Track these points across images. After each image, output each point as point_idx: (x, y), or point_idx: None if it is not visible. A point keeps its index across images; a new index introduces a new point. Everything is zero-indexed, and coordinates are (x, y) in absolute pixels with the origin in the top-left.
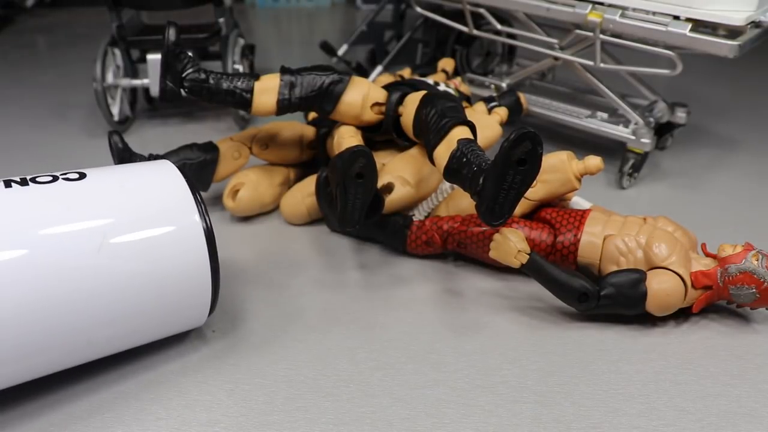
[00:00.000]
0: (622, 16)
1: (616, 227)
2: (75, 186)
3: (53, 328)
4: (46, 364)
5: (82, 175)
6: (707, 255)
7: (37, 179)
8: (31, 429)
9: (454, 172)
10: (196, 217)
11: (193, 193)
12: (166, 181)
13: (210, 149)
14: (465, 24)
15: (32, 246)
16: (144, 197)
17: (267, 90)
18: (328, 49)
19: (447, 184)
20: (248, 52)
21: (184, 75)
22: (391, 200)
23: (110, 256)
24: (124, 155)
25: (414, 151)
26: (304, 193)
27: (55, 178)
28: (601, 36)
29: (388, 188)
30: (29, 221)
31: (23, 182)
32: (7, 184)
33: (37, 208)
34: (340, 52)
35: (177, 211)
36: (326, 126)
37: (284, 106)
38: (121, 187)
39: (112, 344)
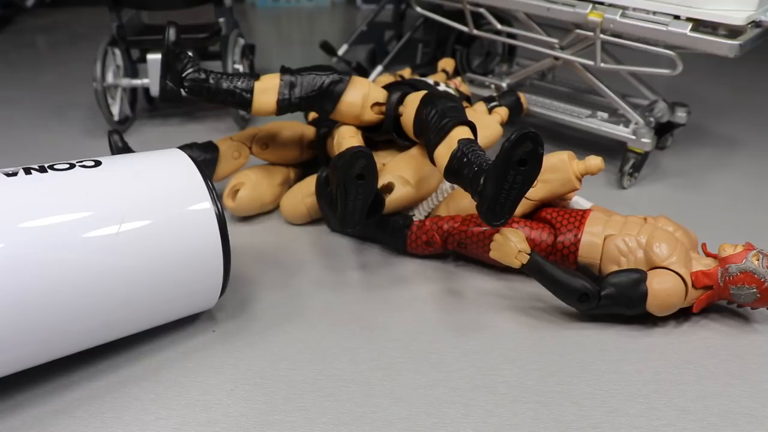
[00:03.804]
0: (623, 15)
1: (617, 227)
2: (92, 172)
3: (76, 309)
4: (67, 344)
5: (98, 163)
6: (708, 255)
7: (55, 167)
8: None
9: (454, 172)
10: (208, 200)
11: (204, 179)
12: (178, 167)
13: (210, 149)
14: (465, 24)
15: (54, 228)
16: (158, 183)
17: (267, 90)
18: (328, 49)
19: (447, 184)
20: (248, 52)
21: (184, 75)
22: (391, 200)
23: (129, 238)
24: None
25: (414, 151)
26: (304, 193)
27: (72, 166)
28: (602, 36)
29: (389, 188)
30: (50, 205)
31: (42, 169)
32: (27, 171)
33: (57, 193)
34: (340, 52)
35: (190, 195)
36: (326, 126)
37: (284, 106)
38: (135, 173)
39: (130, 324)
